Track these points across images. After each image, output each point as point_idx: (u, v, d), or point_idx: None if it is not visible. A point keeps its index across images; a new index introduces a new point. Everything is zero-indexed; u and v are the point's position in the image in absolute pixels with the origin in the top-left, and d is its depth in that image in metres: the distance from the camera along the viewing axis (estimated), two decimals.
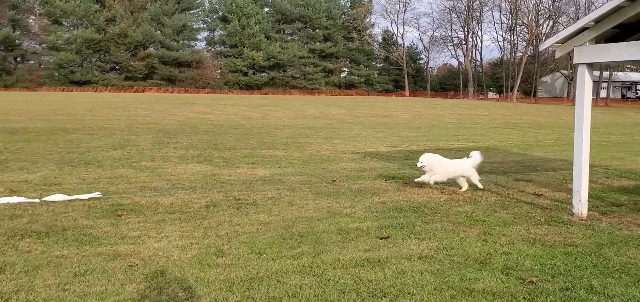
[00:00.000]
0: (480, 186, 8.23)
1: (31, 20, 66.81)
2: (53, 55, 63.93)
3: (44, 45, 65.24)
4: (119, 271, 4.36)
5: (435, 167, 8.03)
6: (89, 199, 7.02)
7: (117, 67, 68.59)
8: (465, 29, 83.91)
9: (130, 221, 5.96)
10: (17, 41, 63.46)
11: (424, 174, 8.06)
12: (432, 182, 8.05)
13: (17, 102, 31.27)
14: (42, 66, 66.54)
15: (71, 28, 66.33)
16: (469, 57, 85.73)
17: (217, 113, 27.11)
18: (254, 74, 77.17)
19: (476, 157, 8.27)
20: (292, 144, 14.51)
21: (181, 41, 73.41)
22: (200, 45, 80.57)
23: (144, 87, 66.06)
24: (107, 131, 16.36)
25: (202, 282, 4.16)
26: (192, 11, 76.89)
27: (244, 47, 74.13)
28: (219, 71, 77.05)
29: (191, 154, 11.83)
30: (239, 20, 74.11)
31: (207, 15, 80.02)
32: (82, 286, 4.03)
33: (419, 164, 8.11)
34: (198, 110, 28.45)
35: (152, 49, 70.03)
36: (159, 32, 69.69)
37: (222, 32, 78.94)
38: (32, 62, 67.12)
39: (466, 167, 8.21)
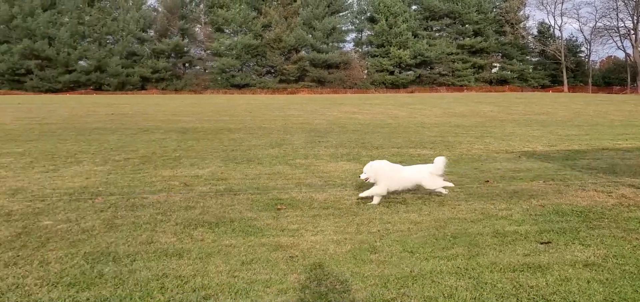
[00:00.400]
0: (444, 191, 7.32)
1: (197, 29, 73.43)
2: (216, 60, 69.65)
3: (209, 51, 71.35)
4: (281, 261, 4.67)
5: (383, 175, 6.98)
6: (248, 194, 7.57)
7: (272, 70, 72.73)
8: (634, 18, 75.62)
9: (288, 215, 6.33)
10: (185, 49, 70.12)
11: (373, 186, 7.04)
12: (377, 198, 6.96)
13: (186, 104, 34.60)
14: (206, 71, 72.80)
15: (232, 35, 71.70)
16: (638, 48, 77.08)
17: (364, 112, 27.52)
18: (400, 73, 77.03)
19: (439, 164, 7.23)
20: (440, 143, 14.26)
21: (330, 43, 75.67)
22: (348, 46, 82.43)
23: (296, 89, 69.34)
24: (265, 131, 17.44)
25: (358, 276, 4.30)
26: (341, 14, 78.88)
27: (390, 46, 74.35)
28: (366, 71, 78.12)
29: (341, 153, 12.16)
30: (386, 20, 74.48)
31: (356, 17, 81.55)
32: (249, 274, 4.38)
33: (362, 176, 7.12)
34: (346, 110, 29.14)
35: (303, 52, 73.19)
36: (310, 35, 72.54)
37: (369, 33, 79.96)
38: (198, 67, 73.76)
39: (424, 175, 7.15)
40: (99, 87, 60.33)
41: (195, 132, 16.72)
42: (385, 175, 6.98)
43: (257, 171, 9.65)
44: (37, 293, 3.99)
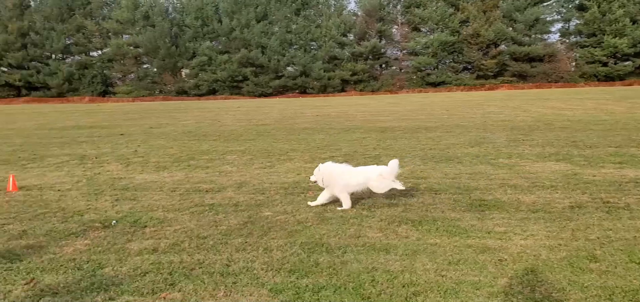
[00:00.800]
0: (400, 186, 6.71)
1: (394, 30, 74.60)
2: (412, 60, 69.97)
3: (404, 51, 72.04)
4: (489, 264, 4.56)
5: (336, 179, 6.76)
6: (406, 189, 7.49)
7: (469, 66, 70.58)
8: None
9: (494, 217, 6.13)
10: (382, 50, 71.73)
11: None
12: (322, 201, 6.84)
13: (384, 104, 35.40)
14: (402, 71, 73.61)
15: (428, 33, 71.39)
16: None
17: (574, 108, 25.18)
18: (615, 63, 68.69)
19: (393, 166, 6.90)
20: None
21: (533, 35, 70.74)
22: (554, 37, 76.11)
23: (495, 84, 66.25)
24: (463, 129, 17.05)
25: (576, 286, 4.00)
26: (545, 4, 73.22)
27: (603, 34, 66.72)
28: (574, 63, 71.34)
29: (548, 152, 11.33)
30: (598, 6, 67.05)
31: (562, 6, 74.97)
32: (456, 274, 4.37)
33: (312, 178, 6.98)
34: (552, 106, 26.99)
35: (503, 46, 69.66)
36: (511, 28, 68.75)
37: (577, 22, 72.83)
38: (394, 67, 74.86)
39: (371, 177, 6.83)
40: (303, 91, 65.00)
41: (393, 131, 17.03)
42: (336, 178, 6.83)
43: (457, 170, 9.49)
44: (264, 277, 4.49)
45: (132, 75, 67.00)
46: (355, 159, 11.13)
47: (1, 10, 65.99)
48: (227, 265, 4.79)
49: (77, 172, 10.41)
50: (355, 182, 6.88)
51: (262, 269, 4.66)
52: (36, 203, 7.67)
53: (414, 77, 69.96)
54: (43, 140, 16.63)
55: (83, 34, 66.05)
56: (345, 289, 4.18)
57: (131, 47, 65.54)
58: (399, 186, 7.06)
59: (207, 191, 8.19)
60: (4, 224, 6.45)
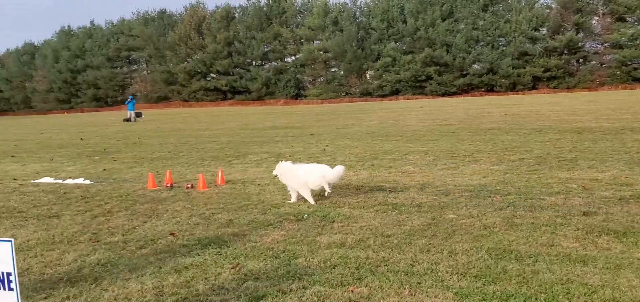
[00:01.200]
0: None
1: (594, 21, 67.63)
2: (615, 53, 62.68)
3: (606, 44, 64.83)
4: None
5: (287, 175, 7.83)
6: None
7: None
8: None
9: None
10: (579, 43, 65.52)
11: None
12: (293, 198, 7.75)
13: (580, 102, 32.35)
14: (603, 65, 66.38)
15: (635, 23, 63.36)
16: None
17: None
18: None
19: (338, 172, 7.81)
20: None
21: None
22: None
23: None
24: None
25: None
26: None
27: None
28: None
29: None
30: None
31: None
32: None
33: (274, 172, 8.14)
34: None
35: None
36: None
37: None
38: (593, 62, 67.85)
39: (309, 176, 7.63)
40: (490, 89, 62.27)
41: (592, 132, 15.50)
42: (287, 174, 7.75)
43: None
44: (449, 280, 4.46)
45: (321, 78, 70.71)
46: (547, 162, 10.40)
47: (212, 23, 74.54)
48: (411, 265, 4.86)
49: (273, 168, 11.38)
50: (298, 179, 7.65)
51: (447, 272, 4.63)
52: (240, 195, 8.57)
53: (618, 72, 62.56)
54: (245, 139, 18.46)
55: (279, 41, 71.53)
56: (536, 299, 3.96)
57: (321, 52, 69.18)
58: (327, 190, 7.77)
59: (390, 191, 8.36)
60: (214, 213, 7.33)
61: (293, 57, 73.12)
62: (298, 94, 70.91)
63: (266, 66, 74.19)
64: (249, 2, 76.51)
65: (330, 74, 70.50)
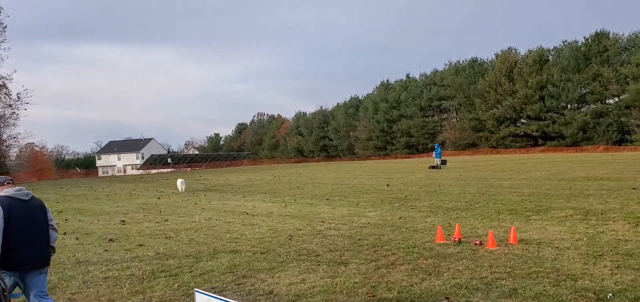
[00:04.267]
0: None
1: None
2: None
3: None
4: None
5: None
6: None
7: None
8: None
9: None
10: None
11: None
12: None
13: None
14: None
15: None
16: None
17: None
18: None
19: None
20: None
21: None
22: None
23: None
24: None
25: None
26: None
27: None
28: None
29: None
30: None
31: None
32: None
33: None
34: None
35: None
36: None
37: None
38: None
39: None
40: None
41: None
42: None
43: None
44: None
45: None
46: None
47: (523, 68, 71.83)
48: None
49: (579, 229, 9.91)
50: None
51: None
52: (532, 259, 7.64)
53: None
54: (550, 191, 16.78)
55: (599, 81, 64.39)
56: None
57: None
58: None
59: None
60: (497, 278, 6.66)
61: (616, 99, 64.65)
62: (622, 139, 62.15)
63: (583, 109, 67.43)
64: (564, 43, 71.31)
65: None
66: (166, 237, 11.45)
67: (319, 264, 7.99)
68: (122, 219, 15.43)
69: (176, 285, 7.03)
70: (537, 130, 69.45)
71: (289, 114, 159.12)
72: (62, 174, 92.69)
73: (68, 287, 7.26)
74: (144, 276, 7.67)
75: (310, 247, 9.41)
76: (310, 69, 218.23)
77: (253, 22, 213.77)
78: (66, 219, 16.40)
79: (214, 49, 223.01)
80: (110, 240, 11.42)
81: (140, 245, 10.57)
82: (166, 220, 14.73)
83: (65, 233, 12.94)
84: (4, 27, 61.39)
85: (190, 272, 7.88)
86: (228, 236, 11.23)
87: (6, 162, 74.46)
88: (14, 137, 69.49)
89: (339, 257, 8.43)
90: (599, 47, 65.58)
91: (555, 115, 68.48)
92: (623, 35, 66.68)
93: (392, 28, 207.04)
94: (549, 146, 67.23)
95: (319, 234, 10.97)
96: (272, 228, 12.08)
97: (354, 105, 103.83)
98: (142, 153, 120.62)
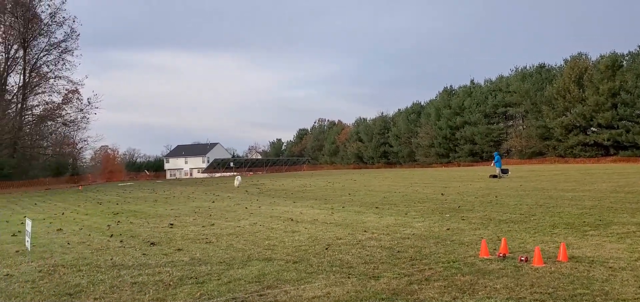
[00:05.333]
0: None
1: None
2: None
3: None
4: None
5: None
6: None
7: None
8: None
9: None
10: None
11: None
12: None
13: None
14: None
15: None
16: None
17: None
18: None
19: None
20: None
21: None
22: None
23: None
24: None
25: None
26: None
27: None
28: None
29: None
30: None
31: None
32: None
33: None
34: None
35: None
36: None
37: None
38: None
39: None
40: None
41: None
42: None
43: None
44: None
45: None
46: None
47: (594, 74, 68.33)
48: None
49: None
50: None
51: None
52: (579, 280, 7.03)
53: None
54: (614, 204, 15.66)
55: None
56: None
57: None
58: None
59: None
60: (536, 300, 6.14)
61: None
62: None
63: None
64: (639, 47, 67.24)
65: None
66: (206, 242, 11.49)
67: (349, 277, 7.70)
68: (171, 222, 15.69)
69: (198, 294, 6.94)
70: (608, 140, 65.77)
71: (349, 120, 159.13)
72: (132, 176, 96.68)
73: (93, 291, 7.34)
74: (171, 283, 7.64)
75: (345, 258, 9.13)
76: (371, 74, 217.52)
77: (315, 28, 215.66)
78: (118, 222, 16.87)
79: (277, 56, 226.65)
80: (152, 244, 11.58)
81: (179, 249, 10.64)
82: (212, 224, 14.86)
83: (112, 235, 13.28)
84: (77, 35, 64.58)
85: (218, 279, 7.79)
86: (266, 242, 11.13)
87: (78, 164, 78.41)
88: (85, 140, 73.12)
89: (372, 270, 8.10)
90: None
91: (629, 123, 64.57)
92: None
93: (456, 32, 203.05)
94: (622, 156, 63.49)
95: (358, 244, 10.66)
96: (312, 236, 11.88)
97: (416, 112, 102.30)
98: (208, 157, 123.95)
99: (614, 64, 67.79)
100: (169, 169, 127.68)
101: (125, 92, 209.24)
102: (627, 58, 69.17)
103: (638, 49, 67.86)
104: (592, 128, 69.25)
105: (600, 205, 15.70)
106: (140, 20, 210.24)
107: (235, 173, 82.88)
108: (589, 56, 74.05)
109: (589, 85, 68.28)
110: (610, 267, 7.68)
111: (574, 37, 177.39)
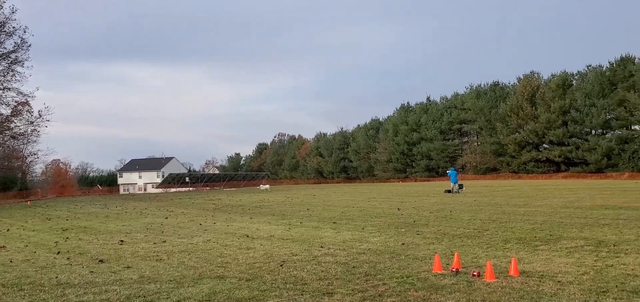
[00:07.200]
0: None
1: None
2: None
3: None
4: None
5: None
6: None
7: None
8: None
9: None
10: None
11: None
12: None
13: None
14: None
15: None
16: None
17: None
18: None
19: None
20: None
21: None
22: None
23: None
24: None
25: None
26: None
27: None
28: None
29: None
30: None
31: None
32: None
33: None
34: None
35: None
36: None
37: None
38: None
39: None
40: None
41: None
42: None
43: None
44: None
45: None
46: None
47: (546, 92, 70.65)
48: None
49: (587, 262, 9.32)
50: None
51: None
52: (528, 294, 7.11)
53: None
54: (564, 220, 16.08)
55: (625, 107, 62.88)
56: None
57: None
58: None
59: None
60: None
61: None
62: None
63: (608, 135, 65.84)
64: (589, 67, 70.05)
65: None
66: (157, 259, 11.15)
67: (302, 294, 7.56)
68: (122, 239, 15.20)
69: None
70: (559, 156, 68.00)
71: (310, 135, 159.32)
72: (85, 191, 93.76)
73: None
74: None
75: (299, 275, 8.99)
76: (332, 90, 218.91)
77: (276, 42, 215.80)
78: (67, 238, 16.24)
79: (238, 70, 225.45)
80: (101, 261, 11.15)
81: (128, 267, 10.27)
82: (164, 241, 14.46)
83: (59, 252, 12.75)
84: (28, 46, 62.55)
85: (167, 298, 7.53)
86: (220, 260, 10.87)
87: (28, 178, 75.54)
88: (35, 154, 70.57)
89: (327, 287, 8.00)
90: (624, 72, 64.20)
91: (579, 140, 67.03)
92: None
93: (414, 51, 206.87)
94: (572, 172, 65.70)
95: (313, 260, 10.53)
96: (267, 252, 11.69)
97: (375, 127, 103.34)
98: (163, 171, 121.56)
99: (564, 83, 70.34)
100: (122, 184, 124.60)
101: (80, 105, 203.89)
102: (576, 77, 71.92)
103: (587, 69, 70.68)
104: (544, 145, 71.50)
105: (550, 220, 16.09)
106: (98, 32, 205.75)
107: (191, 188, 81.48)
108: (540, 75, 76.65)
109: (541, 103, 70.54)
110: (558, 282, 7.81)
111: (527, 56, 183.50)
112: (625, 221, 14.98)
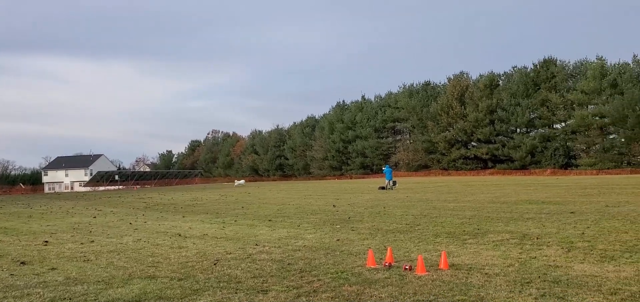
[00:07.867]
0: None
1: None
2: None
3: None
4: None
5: None
6: None
7: None
8: None
9: None
10: None
11: None
12: None
13: None
14: None
15: None
16: None
17: None
18: None
19: None
20: None
21: None
22: None
23: None
24: None
25: None
26: None
27: None
28: None
29: None
30: None
31: None
32: None
33: None
34: None
35: None
36: None
37: None
38: None
39: None
40: None
41: None
42: None
43: None
44: None
45: (597, 146, 62.84)
46: None
47: (474, 92, 73.43)
48: None
49: (513, 254, 9.75)
50: None
51: None
52: (457, 286, 7.35)
53: None
54: (491, 214, 16.78)
55: (547, 107, 66.42)
56: None
57: (596, 118, 61.79)
58: None
59: None
60: None
61: (563, 124, 66.87)
62: (568, 163, 64.16)
63: (532, 133, 69.35)
64: (514, 68, 73.42)
65: (607, 141, 62.15)
66: (84, 260, 10.69)
67: (236, 292, 7.47)
68: (46, 240, 14.48)
69: None
70: (487, 154, 70.89)
71: (244, 132, 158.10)
72: (5, 190, 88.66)
73: None
74: None
75: (233, 273, 8.87)
76: (267, 87, 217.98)
77: (211, 40, 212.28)
78: None
79: (170, 65, 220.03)
80: (22, 263, 10.57)
81: (53, 269, 9.79)
82: (92, 241, 13.90)
83: None
84: None
85: (95, 300, 7.23)
86: (150, 259, 10.56)
87: None
88: None
89: (261, 284, 7.94)
90: (547, 74, 67.77)
91: (505, 138, 70.14)
92: (569, 62, 69.29)
93: (349, 49, 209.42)
94: (498, 169, 68.65)
95: (248, 258, 10.44)
96: (200, 251, 11.48)
97: (310, 125, 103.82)
98: (91, 169, 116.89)
99: (491, 83, 73.37)
100: (47, 183, 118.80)
101: (1, 100, 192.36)
102: (502, 78, 75.20)
103: (512, 70, 74.02)
104: (472, 143, 74.36)
105: (478, 215, 16.75)
106: (22, 24, 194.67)
107: (121, 187, 78.85)
108: (469, 75, 79.63)
109: (469, 102, 73.25)
110: (486, 274, 8.12)
111: (456, 56, 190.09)
112: (547, 215, 15.82)
